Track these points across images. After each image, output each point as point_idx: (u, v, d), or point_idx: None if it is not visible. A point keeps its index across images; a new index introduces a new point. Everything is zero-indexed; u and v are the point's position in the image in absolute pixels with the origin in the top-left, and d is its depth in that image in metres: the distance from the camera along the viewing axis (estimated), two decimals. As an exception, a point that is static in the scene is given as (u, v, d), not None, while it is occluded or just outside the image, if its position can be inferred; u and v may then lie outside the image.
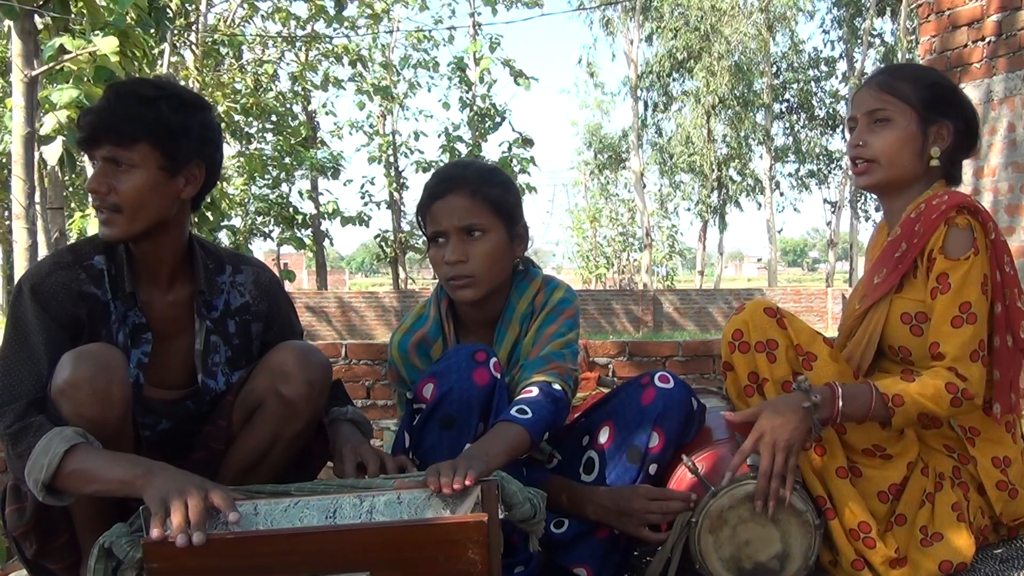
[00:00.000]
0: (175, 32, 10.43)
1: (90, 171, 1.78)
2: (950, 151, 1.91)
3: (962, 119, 1.91)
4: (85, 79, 4.77)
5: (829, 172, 27.56)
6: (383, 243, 19.79)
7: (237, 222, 16.07)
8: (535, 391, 1.82)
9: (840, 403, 1.70)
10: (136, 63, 5.22)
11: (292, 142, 15.92)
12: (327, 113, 18.53)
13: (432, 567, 1.44)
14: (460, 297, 1.93)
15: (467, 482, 1.50)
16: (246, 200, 16.23)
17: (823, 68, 26.77)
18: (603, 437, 1.91)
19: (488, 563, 1.44)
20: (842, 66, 26.25)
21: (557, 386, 1.85)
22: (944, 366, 1.75)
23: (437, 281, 2.06)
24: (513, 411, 1.77)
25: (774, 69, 26.31)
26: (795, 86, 26.70)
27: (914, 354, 1.86)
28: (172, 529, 1.39)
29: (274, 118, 15.54)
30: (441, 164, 16.22)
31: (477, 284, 1.91)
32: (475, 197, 1.91)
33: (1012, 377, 1.83)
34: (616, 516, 1.82)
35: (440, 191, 1.93)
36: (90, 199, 1.74)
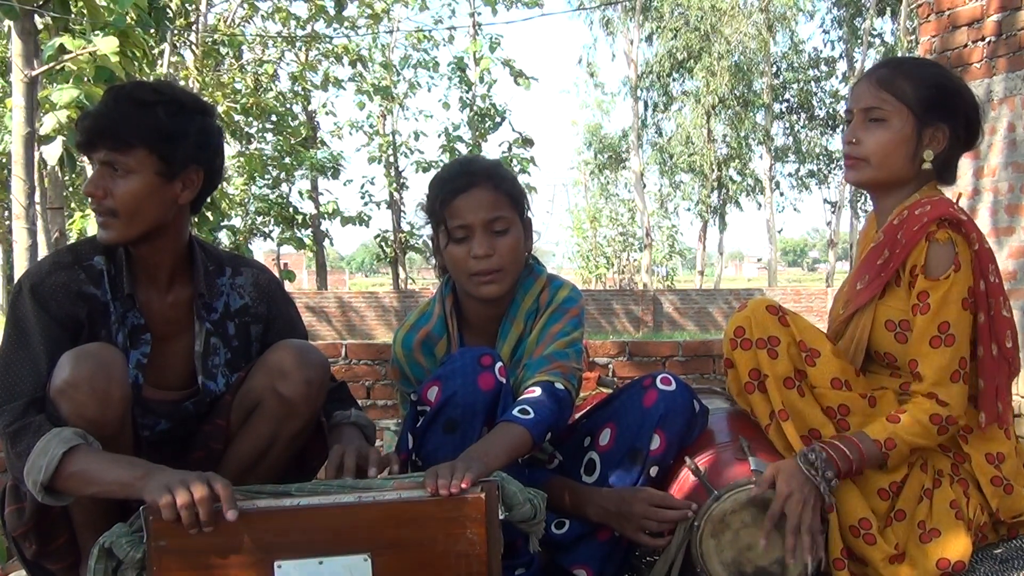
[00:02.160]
0: (175, 32, 10.43)
1: (90, 171, 1.78)
2: (944, 154, 1.89)
3: (961, 120, 1.89)
4: (85, 79, 4.78)
5: (829, 172, 27.56)
6: (383, 243, 19.80)
7: (237, 222, 16.08)
8: (538, 391, 1.82)
9: (843, 464, 1.72)
10: (136, 63, 5.22)
11: (292, 142, 15.93)
12: (327, 113, 18.55)
13: (431, 547, 1.45)
14: (486, 293, 1.91)
15: (463, 484, 1.50)
16: (246, 200, 16.23)
17: (823, 68, 26.78)
18: (604, 439, 1.90)
19: (487, 542, 1.44)
20: (842, 66, 26.26)
21: (560, 385, 1.84)
22: (924, 391, 1.76)
23: (440, 280, 2.05)
24: (515, 411, 1.77)
25: (774, 69, 26.30)
26: (795, 86, 26.70)
27: (899, 360, 1.86)
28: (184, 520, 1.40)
29: (274, 118, 15.54)
30: (441, 164, 16.21)
31: (503, 278, 1.90)
32: (497, 190, 1.90)
33: (998, 386, 1.82)
34: (616, 518, 1.81)
35: (462, 185, 1.90)
36: (88, 201, 1.74)
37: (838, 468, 1.72)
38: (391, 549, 1.46)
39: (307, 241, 17.89)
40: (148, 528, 1.44)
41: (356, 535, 1.45)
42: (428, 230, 2.02)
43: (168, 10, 8.14)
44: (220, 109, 12.24)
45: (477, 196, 1.88)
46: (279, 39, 15.37)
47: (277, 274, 10.95)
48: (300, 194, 18.75)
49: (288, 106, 16.72)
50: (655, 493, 1.80)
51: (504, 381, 1.83)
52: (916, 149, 1.87)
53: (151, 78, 7.98)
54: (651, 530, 1.78)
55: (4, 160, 11.87)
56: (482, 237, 1.87)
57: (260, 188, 16.72)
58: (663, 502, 1.78)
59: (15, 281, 1.95)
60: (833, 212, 27.55)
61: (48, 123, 4.78)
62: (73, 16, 4.98)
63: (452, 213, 1.89)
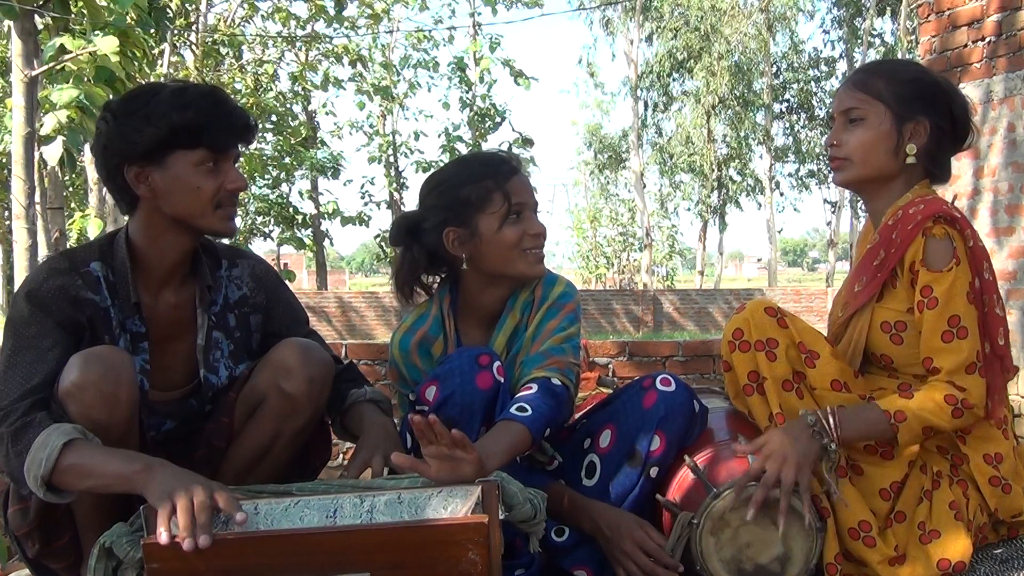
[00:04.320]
0: (175, 32, 10.43)
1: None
2: (929, 148, 1.89)
3: (944, 115, 1.88)
4: (85, 79, 4.77)
5: (829, 172, 27.42)
6: (383, 243, 19.80)
7: (237, 222, 16.08)
8: (534, 387, 1.82)
9: (834, 422, 1.71)
10: (136, 63, 5.22)
11: (292, 142, 15.93)
12: (327, 113, 18.53)
13: (432, 568, 1.44)
14: (540, 271, 1.96)
15: (463, 439, 1.52)
16: (246, 200, 16.23)
17: (823, 68, 26.79)
18: (604, 441, 1.90)
19: (488, 564, 1.44)
20: (842, 66, 26.25)
21: (556, 381, 1.84)
22: (941, 379, 1.76)
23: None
24: (512, 409, 1.77)
25: (774, 69, 26.31)
26: (795, 86, 26.70)
27: (896, 362, 1.86)
28: (178, 530, 1.38)
29: (274, 118, 15.53)
30: (441, 164, 16.21)
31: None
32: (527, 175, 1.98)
33: (988, 383, 1.81)
34: (605, 540, 1.81)
35: (513, 168, 1.95)
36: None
37: (833, 429, 1.71)
38: (391, 569, 1.45)
39: (307, 241, 17.91)
40: (148, 527, 1.44)
41: (356, 556, 1.44)
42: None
43: (168, 10, 8.14)
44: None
45: (524, 179, 1.95)
46: (279, 39, 15.37)
47: (277, 274, 10.94)
48: (300, 194, 18.79)
49: (288, 106, 16.71)
50: (648, 541, 1.77)
51: (502, 380, 1.83)
52: (897, 144, 1.87)
53: (151, 78, 7.98)
54: (628, 570, 1.76)
55: (4, 160, 11.87)
56: (535, 216, 1.94)
57: (260, 188, 16.72)
58: (654, 553, 1.75)
59: (14, 290, 1.95)
60: (833, 212, 27.57)
61: (48, 123, 4.77)
62: (73, 16, 4.97)
63: (513, 191, 1.91)
